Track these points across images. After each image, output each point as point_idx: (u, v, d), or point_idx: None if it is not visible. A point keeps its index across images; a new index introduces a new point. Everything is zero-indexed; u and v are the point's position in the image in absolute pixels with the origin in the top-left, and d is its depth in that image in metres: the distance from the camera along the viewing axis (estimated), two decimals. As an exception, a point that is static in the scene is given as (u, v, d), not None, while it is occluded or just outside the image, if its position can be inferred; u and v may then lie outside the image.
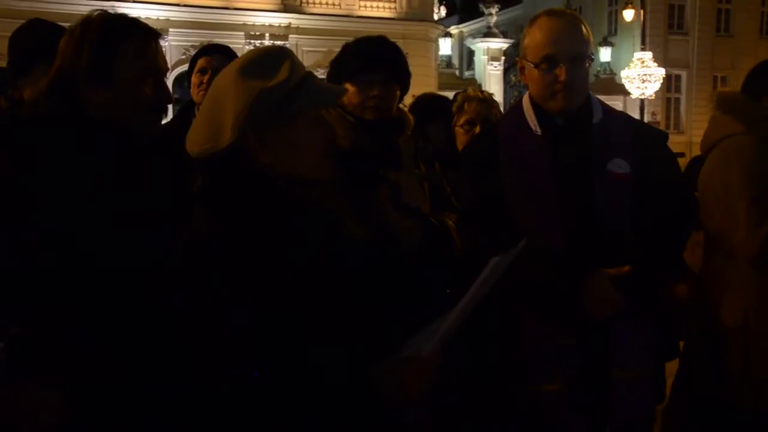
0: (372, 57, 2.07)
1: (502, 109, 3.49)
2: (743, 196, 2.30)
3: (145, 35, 1.73)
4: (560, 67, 1.98)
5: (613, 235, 1.97)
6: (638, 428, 2.04)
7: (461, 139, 2.83)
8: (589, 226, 1.97)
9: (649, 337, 2.02)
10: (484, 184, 2.07)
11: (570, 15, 2.07)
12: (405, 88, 2.19)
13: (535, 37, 2.02)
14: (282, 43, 18.56)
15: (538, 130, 2.06)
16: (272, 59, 1.44)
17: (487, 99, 2.91)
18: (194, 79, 3.03)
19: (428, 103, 3.15)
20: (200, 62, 3.02)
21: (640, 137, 2.10)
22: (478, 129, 2.78)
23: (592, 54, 2.09)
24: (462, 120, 2.84)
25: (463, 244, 2.08)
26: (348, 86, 2.05)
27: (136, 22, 1.74)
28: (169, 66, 17.95)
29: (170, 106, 1.87)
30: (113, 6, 12.55)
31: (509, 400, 2.09)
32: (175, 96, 18.20)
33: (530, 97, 2.12)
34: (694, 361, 2.52)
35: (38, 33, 2.30)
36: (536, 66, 2.02)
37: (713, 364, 2.41)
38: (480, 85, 22.19)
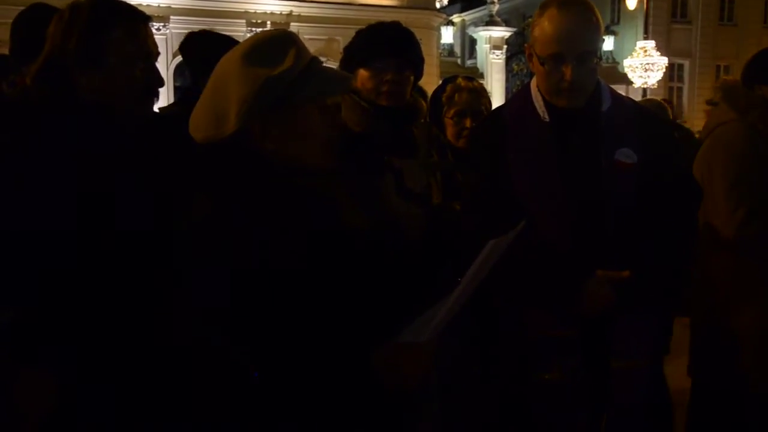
0: (386, 42, 2.05)
1: (504, 98, 3.43)
2: (723, 181, 2.31)
3: (135, 19, 1.72)
4: (566, 66, 1.93)
5: (619, 225, 1.96)
6: (634, 416, 2.05)
7: (450, 130, 2.74)
8: (595, 216, 1.96)
9: (647, 328, 2.02)
10: (491, 168, 2.03)
11: (581, 6, 1.98)
12: (418, 74, 2.16)
13: (544, 30, 1.96)
14: (283, 30, 18.41)
15: (546, 117, 2.03)
16: (277, 46, 1.41)
17: (477, 89, 2.80)
18: None
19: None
20: None
21: (647, 126, 2.07)
22: (468, 121, 2.69)
23: (599, 48, 2.02)
24: (452, 112, 2.73)
25: (466, 228, 2.07)
26: (362, 72, 2.03)
27: (125, 5, 1.73)
28: (171, 54, 17.60)
29: (164, 91, 1.87)
30: (114, -7, 12.40)
31: (509, 389, 2.10)
32: (177, 84, 18.06)
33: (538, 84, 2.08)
34: (700, 350, 2.54)
35: (43, 18, 2.30)
36: (542, 62, 1.97)
37: (714, 353, 2.42)
38: (482, 74, 22.10)
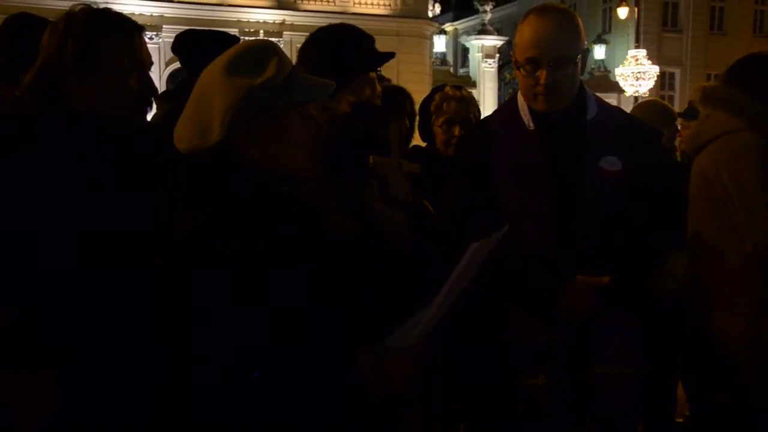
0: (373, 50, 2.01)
1: (496, 107, 3.43)
2: (762, 196, 2.22)
3: (129, 29, 1.73)
4: (541, 70, 1.96)
5: (604, 232, 1.97)
6: (618, 424, 2.05)
7: (440, 138, 2.78)
8: (579, 222, 1.97)
9: (634, 335, 2.02)
10: (476, 175, 2.06)
11: (559, 12, 2.01)
12: None
13: (522, 36, 2.01)
14: (276, 40, 18.51)
15: (531, 125, 2.05)
16: (259, 55, 1.42)
17: (466, 97, 2.83)
18: None
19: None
20: None
21: (635, 134, 2.09)
22: (457, 129, 2.72)
23: (587, 49, 2.05)
24: (440, 120, 2.77)
25: (449, 233, 2.07)
26: (370, 76, 1.98)
27: (119, 16, 1.74)
28: (163, 62, 17.70)
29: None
30: (107, 2, 12.42)
31: (494, 395, 2.10)
32: (169, 93, 18.18)
33: None
34: (698, 365, 2.48)
35: (37, 29, 2.28)
36: (519, 67, 2.01)
37: (718, 367, 2.37)
38: (474, 83, 22.20)
